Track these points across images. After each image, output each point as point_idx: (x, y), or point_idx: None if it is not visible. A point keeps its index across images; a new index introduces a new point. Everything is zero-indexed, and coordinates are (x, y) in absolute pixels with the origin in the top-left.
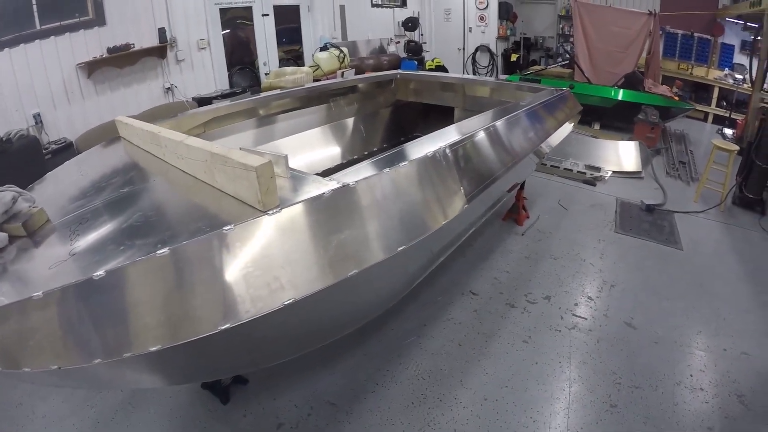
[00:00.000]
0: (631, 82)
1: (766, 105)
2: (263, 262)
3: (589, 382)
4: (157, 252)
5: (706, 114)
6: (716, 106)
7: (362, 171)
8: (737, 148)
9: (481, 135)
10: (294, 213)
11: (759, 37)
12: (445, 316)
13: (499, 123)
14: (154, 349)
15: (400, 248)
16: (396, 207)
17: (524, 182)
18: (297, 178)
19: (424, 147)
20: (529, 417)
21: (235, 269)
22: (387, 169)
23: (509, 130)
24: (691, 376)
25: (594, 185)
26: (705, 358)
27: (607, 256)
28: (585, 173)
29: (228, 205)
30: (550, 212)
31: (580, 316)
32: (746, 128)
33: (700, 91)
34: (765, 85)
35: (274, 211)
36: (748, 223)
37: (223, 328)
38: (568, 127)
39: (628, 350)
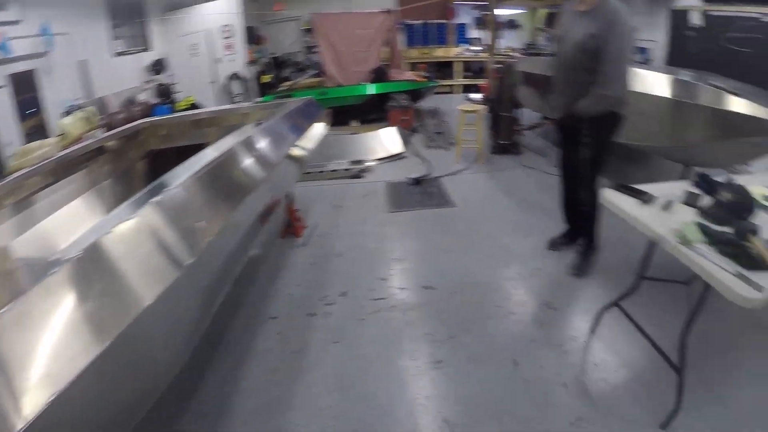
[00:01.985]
0: (379, 75)
1: (500, 65)
2: (6, 366)
3: (410, 353)
4: None
5: (453, 86)
6: (463, 78)
7: (87, 238)
8: (480, 107)
9: (217, 163)
10: (25, 305)
11: (487, 12)
12: (253, 349)
13: (235, 145)
14: None
15: (147, 304)
16: (132, 265)
17: (291, 194)
18: (28, 265)
19: (152, 194)
20: (369, 408)
21: None
22: (112, 229)
23: (250, 149)
24: (498, 306)
25: (361, 177)
26: (505, 286)
27: (389, 236)
28: (350, 169)
29: None
30: (326, 215)
31: (380, 298)
32: (490, 89)
33: (445, 68)
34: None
35: (4, 309)
36: (509, 166)
37: None
38: (319, 130)
39: (434, 310)
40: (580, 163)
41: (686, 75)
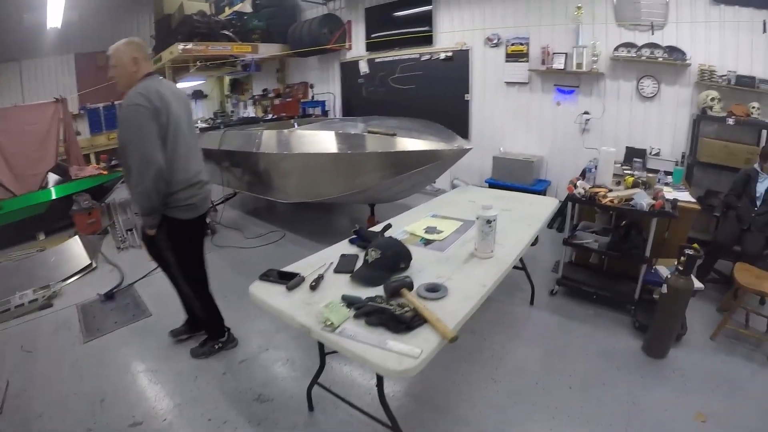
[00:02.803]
0: (60, 175)
1: None
2: None
3: None
4: None
5: None
6: None
7: None
8: None
9: None
10: None
11: None
12: None
13: None
14: None
15: None
16: None
17: None
18: None
19: None
20: None
21: None
22: None
23: None
24: (210, 419)
25: (51, 305)
26: (214, 394)
27: (87, 373)
28: (36, 299)
29: None
30: (18, 366)
31: None
32: None
33: None
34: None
35: None
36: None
37: None
38: None
39: None
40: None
41: (351, 125)
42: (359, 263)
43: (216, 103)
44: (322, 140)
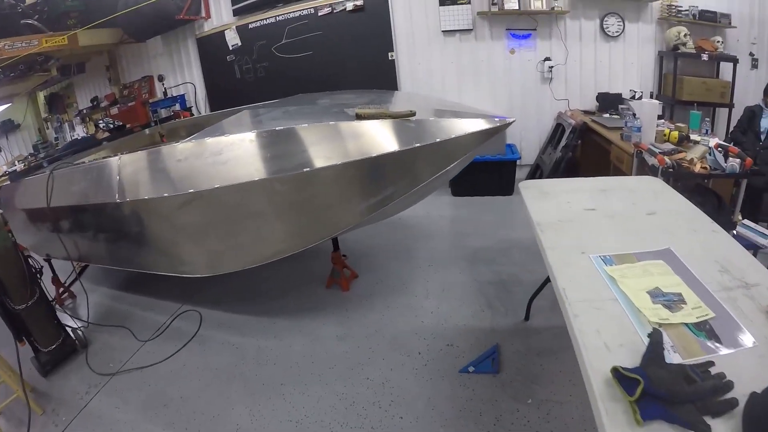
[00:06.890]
0: None
1: None
2: None
3: None
4: None
5: None
6: None
7: None
8: None
9: None
10: None
11: None
12: None
13: None
14: None
15: None
16: None
17: None
18: None
19: None
20: None
21: None
22: None
23: None
24: None
25: None
26: None
27: None
28: None
29: None
30: None
31: None
32: None
33: None
34: None
35: None
36: (79, 390)
37: None
38: None
39: None
40: None
41: (265, 118)
42: None
43: (34, 132)
44: (250, 153)
